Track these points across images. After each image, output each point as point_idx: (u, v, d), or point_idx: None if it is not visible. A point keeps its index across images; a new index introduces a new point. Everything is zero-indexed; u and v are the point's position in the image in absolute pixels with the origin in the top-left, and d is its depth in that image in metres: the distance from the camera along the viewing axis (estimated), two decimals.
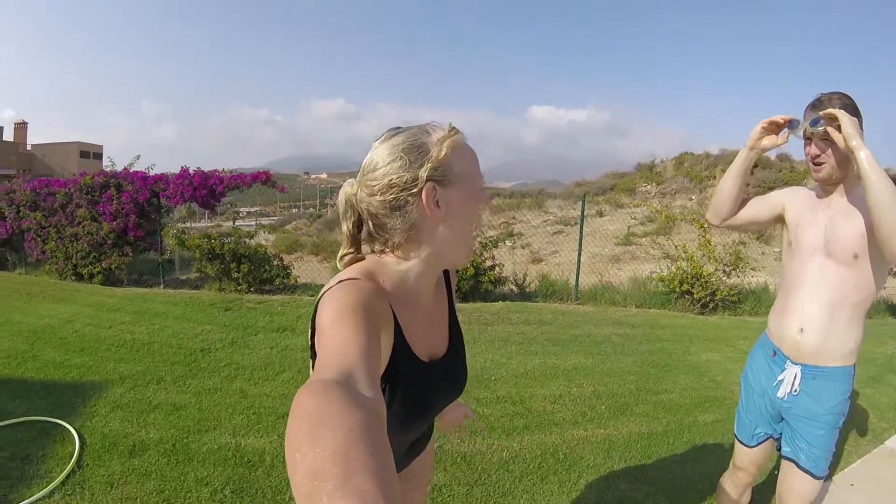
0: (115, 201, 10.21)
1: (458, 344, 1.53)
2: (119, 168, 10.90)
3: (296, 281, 9.76)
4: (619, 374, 6.07)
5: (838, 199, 2.26)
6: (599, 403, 5.20)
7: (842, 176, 2.20)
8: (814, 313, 2.30)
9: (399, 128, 1.27)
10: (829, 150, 2.15)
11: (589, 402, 5.23)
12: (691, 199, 31.86)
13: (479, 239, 1.45)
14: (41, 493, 3.33)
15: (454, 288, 1.62)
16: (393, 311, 1.23)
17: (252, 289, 9.39)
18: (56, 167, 38.89)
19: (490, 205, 1.33)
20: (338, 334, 0.97)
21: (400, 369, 1.26)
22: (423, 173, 1.21)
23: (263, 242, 10.97)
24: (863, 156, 1.96)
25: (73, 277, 10.56)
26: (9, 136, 42.44)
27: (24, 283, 10.46)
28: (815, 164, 2.22)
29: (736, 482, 2.78)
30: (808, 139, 2.23)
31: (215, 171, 10.10)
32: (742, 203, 2.56)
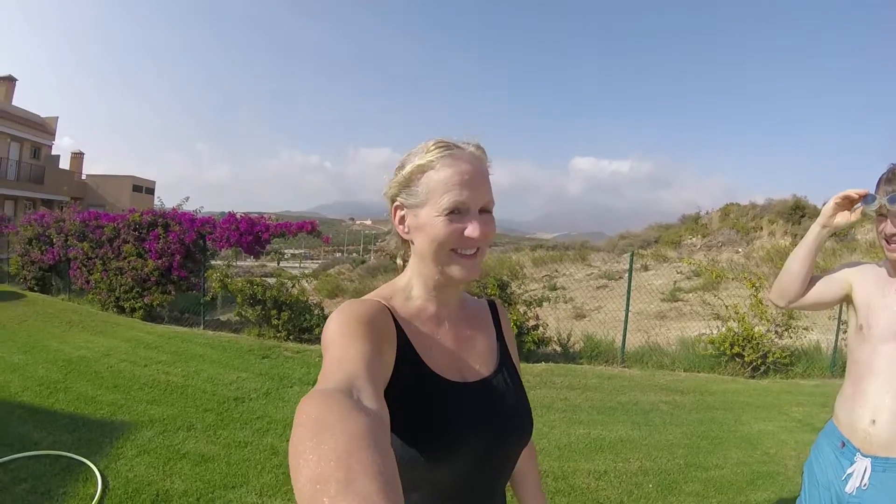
0: (161, 240, 10.32)
1: (508, 375, 1.44)
2: (168, 208, 11.08)
3: None
4: (668, 447, 5.71)
5: None
6: (646, 481, 4.86)
7: None
8: (887, 404, 2.05)
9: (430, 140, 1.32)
10: None
11: (635, 479, 4.89)
12: (738, 252, 31.28)
13: (468, 254, 1.27)
14: None
15: (506, 322, 1.57)
16: (400, 326, 1.26)
17: (291, 337, 9.28)
18: (109, 198, 40.03)
19: (474, 225, 1.23)
20: (340, 346, 1.01)
21: (411, 383, 1.24)
22: (389, 191, 1.32)
23: (306, 285, 10.85)
24: None
25: (115, 310, 10.65)
26: (65, 164, 43.24)
27: (66, 310, 10.55)
28: (891, 244, 2.02)
29: None
30: (882, 216, 2.03)
31: (262, 217, 10.17)
32: (810, 282, 2.33)
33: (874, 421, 2.06)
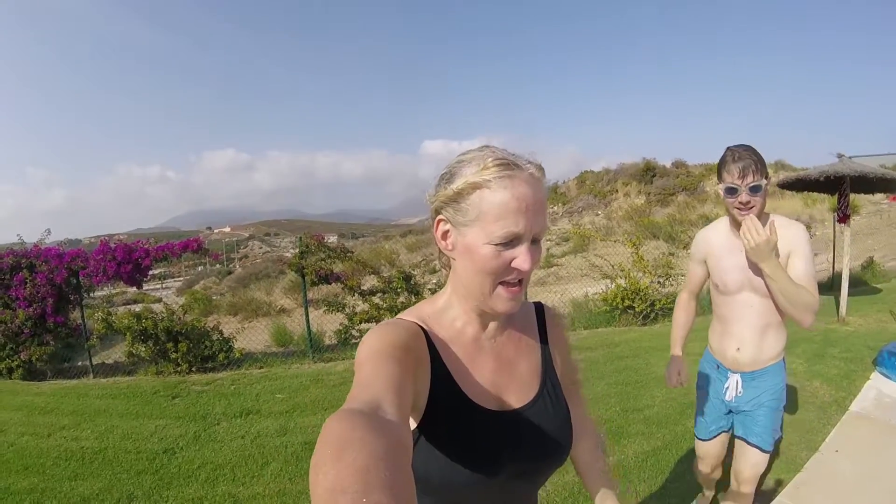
0: (28, 284, 9.26)
1: (551, 397, 1.41)
2: (29, 245, 9.92)
3: (240, 354, 9.13)
4: (602, 398, 6.23)
5: None
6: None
7: (760, 216, 2.66)
8: (747, 336, 2.90)
9: (485, 146, 1.24)
10: (759, 197, 2.61)
11: None
12: (598, 215, 32.97)
13: (511, 287, 1.22)
14: None
15: (554, 326, 1.53)
16: (436, 348, 1.25)
17: (194, 368, 8.70)
18: None
19: (526, 257, 1.18)
20: (369, 367, 1.01)
21: (447, 410, 1.23)
22: (434, 204, 1.25)
23: (173, 306, 10.09)
24: (766, 269, 2.59)
25: None
26: None
27: None
28: (743, 210, 2.64)
29: (704, 469, 3.44)
30: (732, 190, 2.65)
31: (139, 241, 9.38)
32: (694, 284, 3.33)
33: (739, 349, 2.93)
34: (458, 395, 1.25)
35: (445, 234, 1.24)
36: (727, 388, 3.02)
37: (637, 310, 10.17)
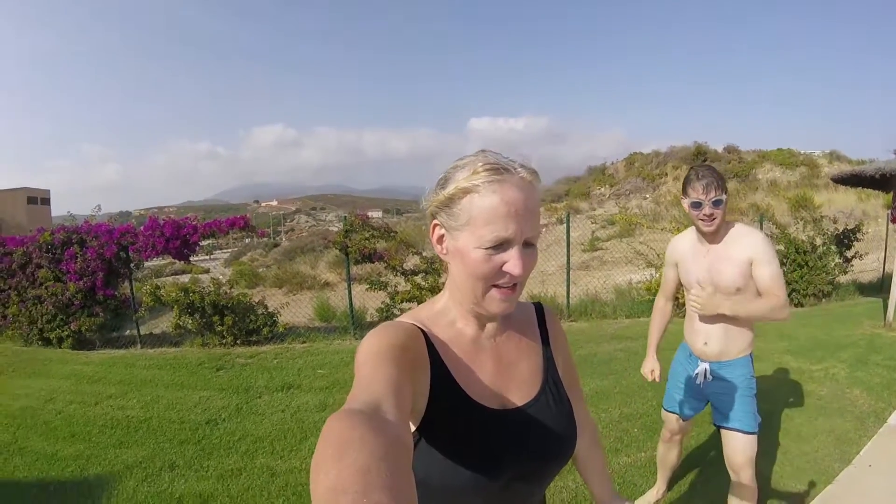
0: (79, 258, 9.54)
1: (553, 396, 1.42)
2: (79, 220, 10.18)
3: (284, 328, 9.29)
4: (638, 391, 6.16)
5: (716, 246, 3.08)
6: (631, 426, 5.31)
7: (721, 226, 3.01)
8: (713, 332, 3.16)
9: (480, 151, 1.25)
10: (720, 210, 2.93)
11: (621, 426, 5.33)
12: (646, 199, 32.34)
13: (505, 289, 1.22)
14: None
15: (555, 326, 1.53)
16: (435, 349, 1.26)
17: (238, 341, 8.89)
18: (5, 216, 38.14)
19: (515, 262, 1.18)
20: (369, 369, 1.02)
21: (449, 410, 1.24)
22: (429, 206, 1.26)
23: (220, 279, 10.39)
24: (728, 312, 2.96)
25: (40, 342, 9.80)
26: None
27: None
28: (707, 221, 2.96)
29: (670, 443, 3.79)
30: (696, 205, 2.96)
31: (187, 218, 9.56)
32: (669, 288, 3.65)
33: (706, 343, 3.20)
34: (459, 395, 1.26)
35: (440, 239, 1.25)
36: (696, 373, 3.31)
37: (680, 301, 9.67)
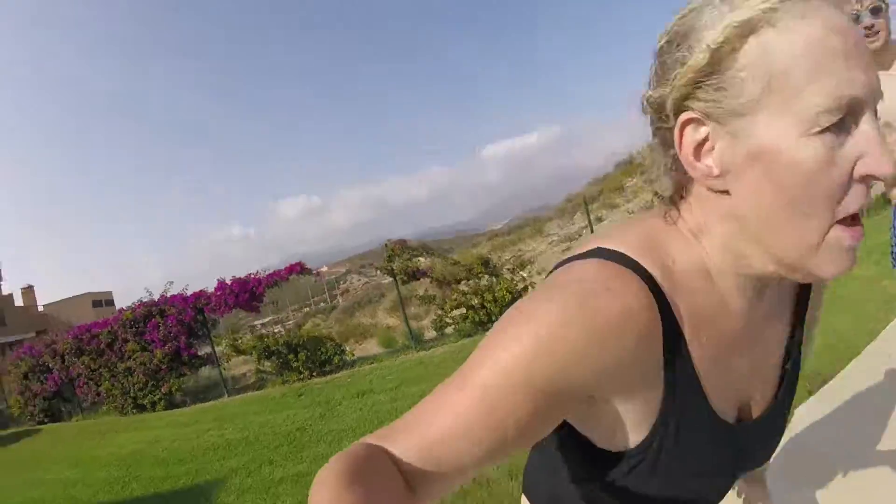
0: (161, 327, 10.52)
1: (787, 393, 0.92)
2: (156, 295, 11.25)
3: (352, 356, 10.11)
4: None
5: (885, 70, 2.41)
6: None
7: (886, 43, 2.38)
8: None
9: None
10: (880, 19, 2.33)
11: None
12: None
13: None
14: None
15: (817, 305, 0.95)
16: (679, 338, 0.72)
17: (314, 374, 9.66)
18: (74, 321, 39.07)
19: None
20: (454, 400, 0.64)
21: (682, 426, 0.77)
22: (664, 91, 0.68)
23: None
24: None
25: (135, 410, 10.68)
26: (18, 301, 43.23)
27: (88, 425, 10.58)
28: (873, 34, 2.33)
29: None
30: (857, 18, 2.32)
31: (249, 274, 10.44)
32: None
33: None
34: (701, 408, 0.78)
35: (700, 147, 0.66)
36: None
37: None
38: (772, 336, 0.86)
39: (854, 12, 2.29)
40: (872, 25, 2.28)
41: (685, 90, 0.65)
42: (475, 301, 9.55)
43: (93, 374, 11.26)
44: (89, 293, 46.29)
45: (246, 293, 10.12)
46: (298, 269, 10.37)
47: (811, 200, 0.60)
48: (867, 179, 0.60)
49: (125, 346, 10.78)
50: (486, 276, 9.99)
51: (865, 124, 0.59)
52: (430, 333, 10.80)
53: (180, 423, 8.51)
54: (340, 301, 36.56)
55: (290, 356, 9.56)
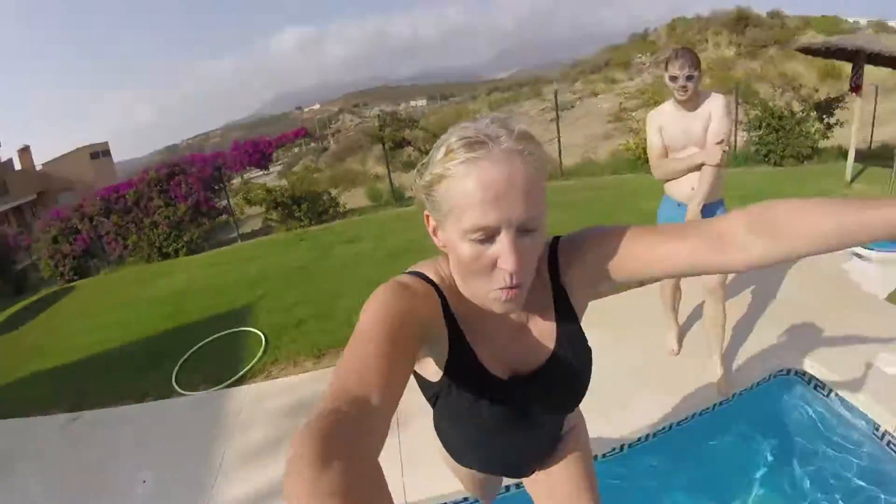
0: (183, 184, 12.39)
1: (573, 350, 1.34)
2: (177, 156, 13.04)
3: (344, 207, 12.29)
4: (593, 216, 8.20)
5: (690, 112, 3.60)
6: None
7: (693, 96, 3.53)
8: (694, 177, 3.65)
9: (463, 124, 1.09)
10: (692, 83, 3.47)
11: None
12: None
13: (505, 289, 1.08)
14: (251, 363, 5.34)
15: (570, 256, 1.28)
16: (451, 311, 1.20)
17: (313, 222, 11.71)
18: (73, 178, 40.08)
19: (502, 253, 1.04)
20: (365, 344, 0.93)
21: (463, 373, 1.24)
22: (417, 193, 1.15)
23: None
24: (697, 200, 3.58)
25: (160, 257, 12.21)
26: (17, 165, 42.26)
27: (124, 274, 11.60)
28: (681, 91, 3.49)
29: (666, 289, 4.31)
30: (674, 78, 3.50)
31: (261, 136, 12.37)
32: (658, 146, 3.80)
33: (693, 188, 3.65)
34: (474, 362, 1.25)
35: (434, 231, 1.15)
36: (689, 215, 3.73)
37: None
38: (529, 311, 1.30)
39: (674, 74, 3.47)
40: (685, 86, 3.45)
41: (421, 198, 1.12)
42: None
43: (120, 231, 12.49)
44: (85, 146, 46.11)
45: (258, 153, 12.15)
46: (303, 133, 12.23)
47: (473, 273, 1.07)
48: (503, 270, 1.03)
49: (150, 202, 12.35)
50: None
51: (501, 239, 1.01)
52: (410, 192, 12.63)
53: (206, 265, 10.23)
54: (332, 142, 36.49)
55: (294, 207, 11.63)
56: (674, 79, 3.52)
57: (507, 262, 1.02)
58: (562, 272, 1.29)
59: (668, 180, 3.87)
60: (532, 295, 1.19)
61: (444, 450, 1.73)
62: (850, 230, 0.94)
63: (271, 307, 6.88)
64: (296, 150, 34.73)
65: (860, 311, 4.57)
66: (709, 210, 3.71)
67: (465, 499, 3.21)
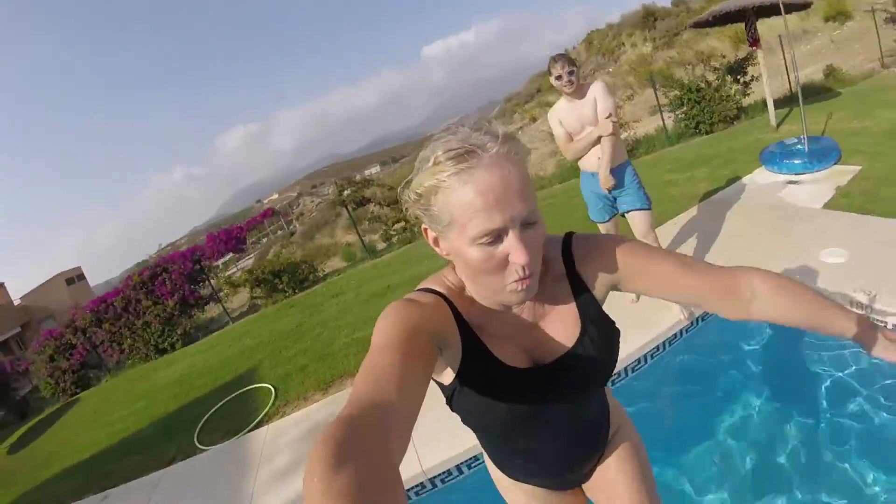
0: (167, 282, 12.82)
1: (597, 336, 1.36)
2: (153, 258, 13.66)
3: (323, 272, 13.01)
4: (572, 214, 8.83)
5: (579, 100, 4.24)
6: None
7: (577, 88, 4.21)
8: (598, 150, 4.31)
9: (441, 133, 1.15)
10: (574, 77, 4.12)
11: None
12: (608, 72, 33.44)
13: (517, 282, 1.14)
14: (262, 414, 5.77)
15: (585, 254, 1.36)
16: (461, 315, 1.27)
17: (296, 290, 12.28)
18: (52, 304, 40.27)
19: (511, 255, 1.11)
20: (380, 357, 0.98)
21: (479, 371, 1.27)
22: (410, 210, 1.20)
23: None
24: (603, 166, 4.23)
25: (157, 354, 12.62)
26: None
27: (126, 377, 11.88)
28: (566, 87, 4.15)
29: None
30: (559, 79, 4.13)
31: (233, 226, 13.08)
32: (566, 137, 4.43)
33: (598, 158, 4.31)
34: (489, 358, 1.28)
35: (436, 241, 1.20)
36: (601, 180, 4.33)
37: None
38: (546, 303, 1.36)
39: (559, 74, 4.09)
40: (570, 81, 4.09)
41: (415, 212, 1.18)
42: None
43: (114, 337, 12.74)
44: (60, 273, 46.31)
45: (232, 239, 12.75)
46: (270, 213, 12.85)
47: (485, 273, 1.12)
48: (516, 264, 1.09)
49: (139, 305, 12.66)
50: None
51: (509, 237, 1.08)
52: (381, 245, 13.57)
53: (203, 350, 10.59)
54: (297, 225, 36.79)
55: (276, 280, 12.20)
56: (559, 78, 4.13)
57: (519, 257, 1.08)
58: (577, 263, 1.36)
59: (578, 158, 4.49)
60: (547, 287, 1.33)
61: (494, 470, 1.73)
62: (811, 324, 1.29)
63: (274, 363, 7.34)
64: (264, 239, 34.88)
65: (801, 222, 5.30)
66: (616, 172, 4.35)
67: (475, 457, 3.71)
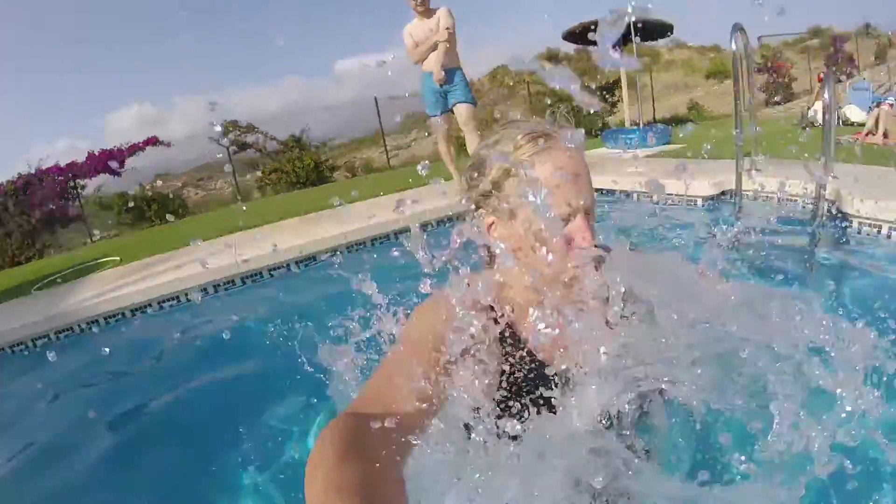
0: (39, 193, 12.54)
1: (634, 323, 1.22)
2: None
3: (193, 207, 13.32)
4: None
5: (428, 19, 5.55)
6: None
7: (427, 9, 5.56)
8: (435, 55, 5.49)
9: (509, 122, 1.18)
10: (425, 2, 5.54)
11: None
12: (508, 103, 34.28)
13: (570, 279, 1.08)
14: None
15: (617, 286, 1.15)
16: (497, 314, 1.17)
17: (161, 221, 12.38)
18: None
19: (583, 243, 1.08)
20: (394, 364, 1.00)
21: (523, 372, 1.20)
22: (473, 199, 1.17)
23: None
24: (439, 53, 5.51)
25: (9, 266, 11.91)
26: None
27: None
28: (422, 4, 5.51)
29: (440, 137, 5.96)
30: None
31: (114, 147, 12.94)
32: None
33: (436, 62, 5.50)
34: (532, 360, 1.22)
35: (491, 227, 1.16)
36: (434, 74, 5.50)
37: None
38: (591, 293, 1.15)
39: (412, 4, 5.44)
40: (423, 2, 5.42)
41: (479, 198, 1.15)
42: (287, 167, 12.57)
43: None
44: None
45: (113, 160, 12.60)
46: (154, 141, 12.75)
47: (549, 253, 1.05)
48: (581, 246, 1.06)
49: (6, 212, 12.46)
50: (297, 150, 13.10)
51: (578, 221, 1.06)
52: (256, 194, 13.90)
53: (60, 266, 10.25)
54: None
55: (146, 208, 12.51)
56: (413, 3, 5.42)
57: (585, 240, 1.07)
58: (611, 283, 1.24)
59: (422, 59, 5.58)
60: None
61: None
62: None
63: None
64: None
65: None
66: (449, 74, 5.48)
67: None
